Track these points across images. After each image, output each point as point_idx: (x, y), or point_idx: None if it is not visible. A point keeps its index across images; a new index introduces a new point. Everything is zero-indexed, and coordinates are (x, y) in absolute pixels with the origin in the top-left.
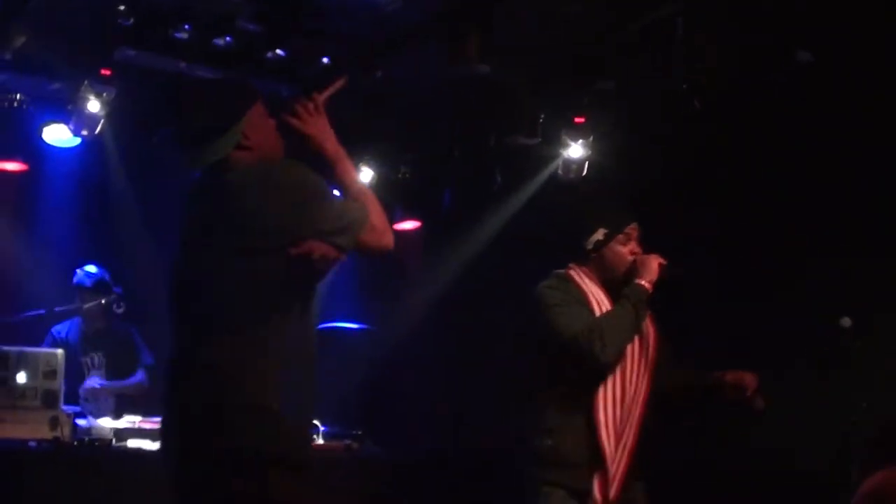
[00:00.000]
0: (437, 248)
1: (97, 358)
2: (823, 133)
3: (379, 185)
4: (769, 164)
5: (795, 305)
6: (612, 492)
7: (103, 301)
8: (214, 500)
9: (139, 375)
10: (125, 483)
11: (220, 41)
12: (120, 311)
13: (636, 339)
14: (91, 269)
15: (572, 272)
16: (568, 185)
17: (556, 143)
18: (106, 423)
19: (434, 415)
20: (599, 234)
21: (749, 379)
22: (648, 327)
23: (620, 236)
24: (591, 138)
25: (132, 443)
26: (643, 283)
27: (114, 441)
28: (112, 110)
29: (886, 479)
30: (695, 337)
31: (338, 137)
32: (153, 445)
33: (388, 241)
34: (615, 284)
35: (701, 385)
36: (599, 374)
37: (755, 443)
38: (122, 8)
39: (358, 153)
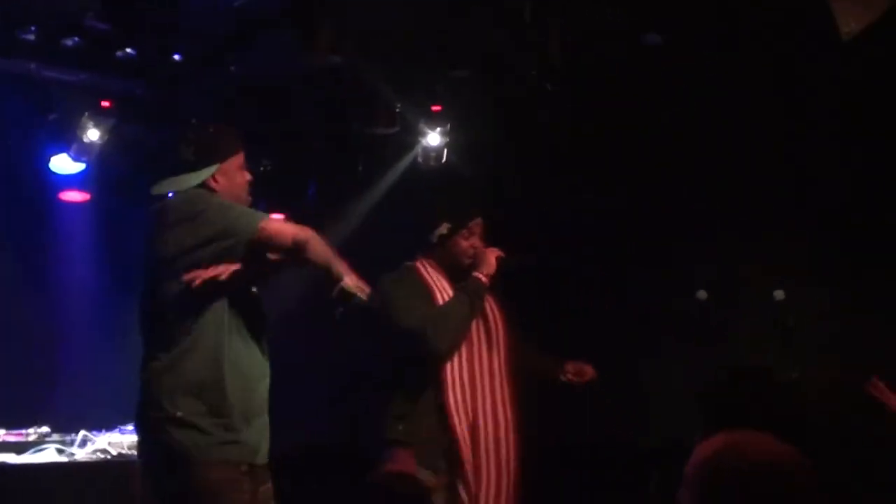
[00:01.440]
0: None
1: None
2: (671, 113)
3: None
4: (623, 146)
5: (656, 283)
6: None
7: None
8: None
9: None
10: None
11: (68, 41)
12: None
13: (479, 324)
14: None
15: (418, 264)
16: (427, 174)
17: (414, 131)
18: None
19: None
20: (443, 228)
21: (588, 370)
22: (493, 312)
23: (463, 231)
24: (448, 126)
25: None
26: (480, 275)
27: None
28: None
29: (726, 444)
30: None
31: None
32: (18, 459)
33: (286, 235)
34: (460, 275)
35: (550, 370)
36: (442, 360)
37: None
38: None
39: None
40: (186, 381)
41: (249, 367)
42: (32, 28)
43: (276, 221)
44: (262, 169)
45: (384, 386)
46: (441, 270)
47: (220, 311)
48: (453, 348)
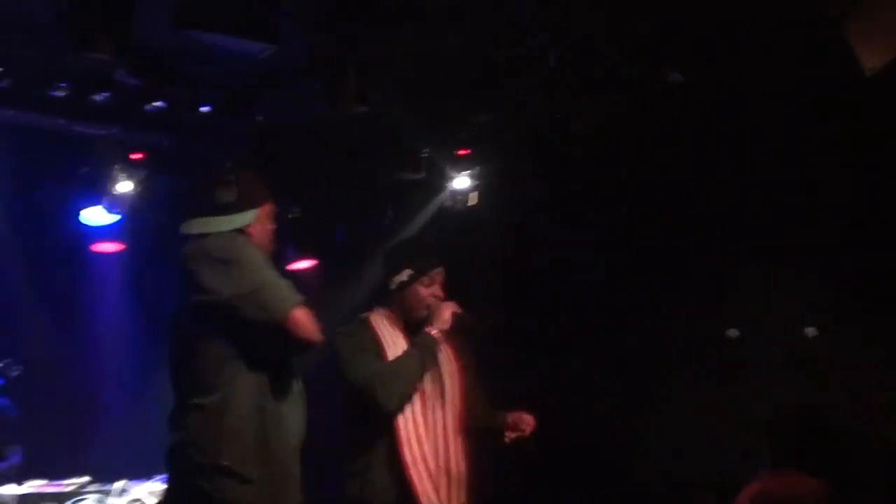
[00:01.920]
0: (335, 285)
1: None
2: (700, 150)
3: None
4: (650, 183)
5: (684, 318)
6: None
7: None
8: None
9: (13, 458)
10: None
11: (97, 97)
12: (15, 373)
13: (434, 379)
14: None
15: (372, 316)
16: (457, 217)
17: (442, 175)
18: (10, 490)
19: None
20: (404, 275)
21: (526, 420)
22: (451, 365)
23: (424, 279)
24: (476, 169)
25: None
26: (432, 331)
27: None
28: None
29: (762, 490)
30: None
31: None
32: None
33: (309, 333)
34: (417, 326)
35: (492, 423)
36: (391, 415)
37: (656, 453)
38: None
39: None
40: (229, 428)
41: (287, 417)
42: (63, 84)
43: (305, 314)
44: (290, 216)
45: (347, 441)
46: (397, 322)
47: (256, 357)
48: (402, 404)
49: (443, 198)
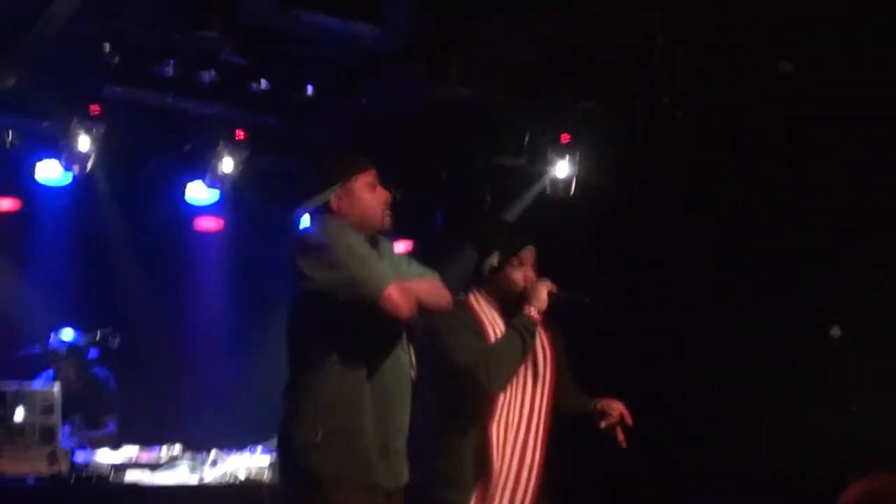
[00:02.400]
0: (432, 268)
1: (77, 420)
2: (807, 142)
3: None
4: (754, 174)
5: (784, 314)
6: None
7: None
8: None
9: (110, 426)
10: None
11: (204, 75)
12: (116, 343)
13: (529, 362)
14: (66, 334)
15: (471, 297)
16: (557, 203)
17: (542, 161)
18: (104, 456)
19: None
20: (494, 259)
21: (616, 406)
22: (544, 348)
23: (514, 260)
24: (577, 155)
25: (130, 475)
26: (531, 311)
27: (112, 475)
28: (101, 146)
29: (867, 490)
30: (686, 346)
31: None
32: (151, 477)
33: (402, 311)
34: (513, 307)
35: (582, 410)
36: (491, 396)
37: (754, 450)
38: (108, 46)
39: None
40: (325, 405)
41: (386, 392)
42: (170, 62)
43: (397, 292)
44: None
45: (435, 419)
46: (494, 303)
47: (357, 337)
48: (505, 386)
49: (542, 184)
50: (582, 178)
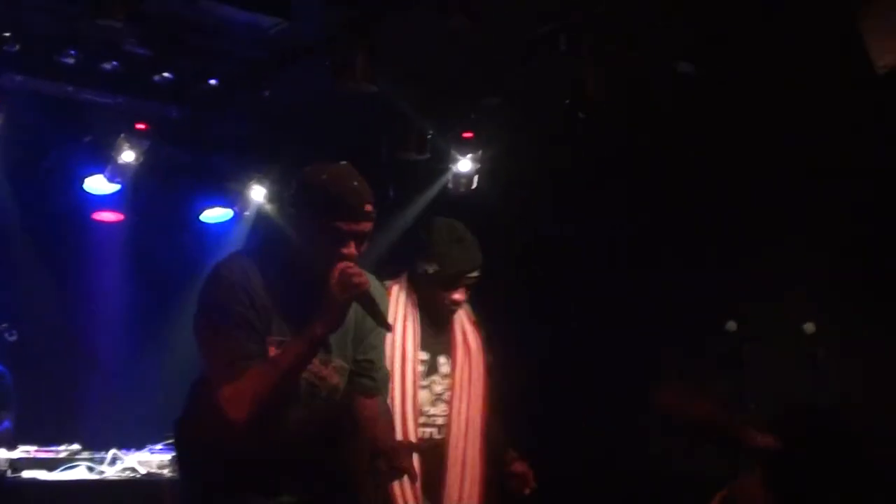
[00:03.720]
0: None
1: None
2: (705, 142)
3: (272, 202)
4: (656, 173)
5: (682, 310)
6: None
7: None
8: None
9: (4, 423)
10: None
11: (107, 65)
12: (12, 338)
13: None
14: None
15: (396, 285)
16: (458, 200)
17: (445, 157)
18: (0, 454)
19: None
20: (430, 267)
21: (528, 481)
22: (473, 344)
23: (447, 279)
24: (479, 152)
25: (27, 473)
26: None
27: (9, 472)
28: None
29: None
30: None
31: (230, 156)
32: (49, 475)
33: (227, 416)
34: (430, 313)
35: (498, 454)
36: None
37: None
38: (7, 34)
39: (251, 171)
40: None
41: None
42: (72, 51)
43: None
44: (292, 192)
45: None
46: (414, 299)
47: None
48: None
49: (445, 180)
50: (484, 174)
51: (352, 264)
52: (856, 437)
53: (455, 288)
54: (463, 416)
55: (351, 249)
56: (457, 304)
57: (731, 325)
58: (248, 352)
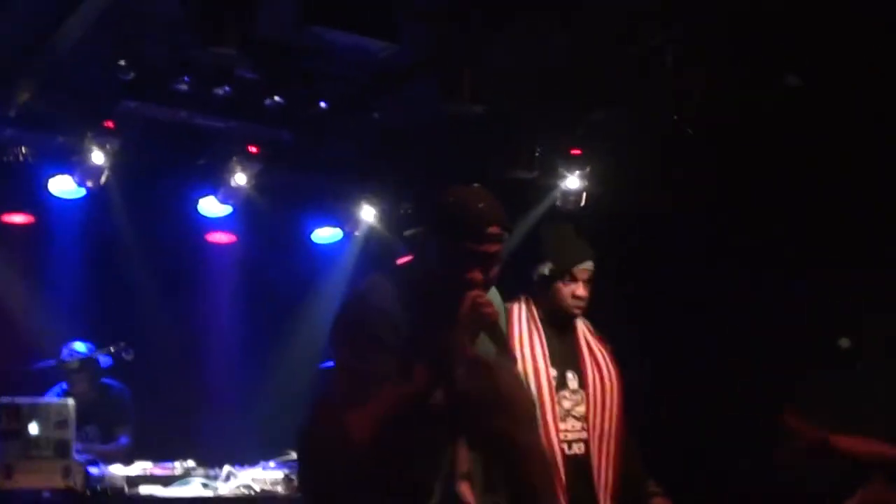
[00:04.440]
0: None
1: (91, 430)
2: (815, 154)
3: (382, 222)
4: (764, 187)
5: (798, 329)
6: None
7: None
8: None
9: (122, 440)
10: None
11: (219, 90)
12: (129, 357)
13: (595, 373)
14: (78, 346)
15: (516, 305)
16: (567, 217)
17: (553, 174)
18: (118, 470)
19: None
20: (545, 268)
21: None
22: (603, 358)
23: (565, 274)
24: (587, 169)
25: (144, 489)
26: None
27: (126, 488)
28: (116, 161)
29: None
30: (695, 356)
31: (340, 177)
32: (164, 491)
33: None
34: (560, 321)
35: (636, 489)
36: None
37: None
38: (122, 63)
39: (359, 192)
40: None
41: None
42: (185, 78)
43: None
44: (402, 212)
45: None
46: (536, 314)
47: None
48: None
49: (554, 197)
50: (592, 190)
51: (481, 293)
52: None
53: (574, 281)
54: (600, 433)
55: (476, 274)
56: (579, 300)
57: (845, 342)
58: (381, 375)
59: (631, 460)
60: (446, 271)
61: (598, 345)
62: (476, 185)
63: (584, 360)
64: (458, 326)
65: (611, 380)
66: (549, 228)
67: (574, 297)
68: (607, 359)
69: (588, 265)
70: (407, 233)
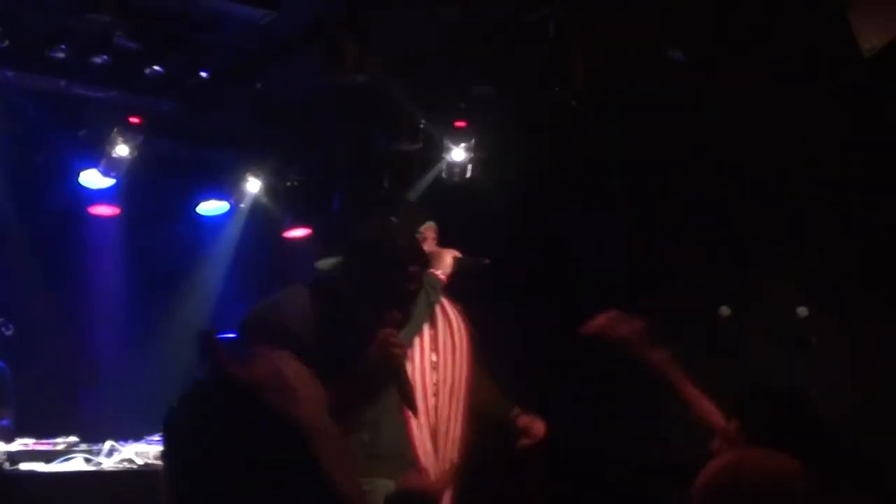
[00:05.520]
0: (329, 254)
1: None
2: (695, 129)
3: (268, 194)
4: (641, 158)
5: (676, 298)
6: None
7: None
8: None
9: (3, 422)
10: None
11: (98, 59)
12: (9, 332)
13: (447, 330)
14: None
15: None
16: (452, 189)
17: (438, 147)
18: None
19: None
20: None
21: (538, 429)
22: (458, 322)
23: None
24: (472, 141)
25: (25, 465)
26: (436, 273)
27: (7, 464)
28: None
29: (729, 463)
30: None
31: (225, 149)
32: (47, 467)
33: None
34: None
35: (501, 416)
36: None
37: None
38: None
39: (245, 164)
40: None
41: None
42: (63, 46)
43: None
44: (288, 184)
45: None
46: None
47: None
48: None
49: (439, 169)
50: (476, 162)
51: (394, 333)
52: (821, 420)
53: (424, 241)
54: (448, 383)
55: (395, 314)
56: (432, 252)
57: (724, 310)
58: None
59: (487, 393)
60: (367, 303)
61: (454, 309)
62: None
63: (436, 319)
64: (365, 358)
65: (459, 332)
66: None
67: (430, 252)
68: (459, 318)
69: (432, 225)
70: (321, 263)
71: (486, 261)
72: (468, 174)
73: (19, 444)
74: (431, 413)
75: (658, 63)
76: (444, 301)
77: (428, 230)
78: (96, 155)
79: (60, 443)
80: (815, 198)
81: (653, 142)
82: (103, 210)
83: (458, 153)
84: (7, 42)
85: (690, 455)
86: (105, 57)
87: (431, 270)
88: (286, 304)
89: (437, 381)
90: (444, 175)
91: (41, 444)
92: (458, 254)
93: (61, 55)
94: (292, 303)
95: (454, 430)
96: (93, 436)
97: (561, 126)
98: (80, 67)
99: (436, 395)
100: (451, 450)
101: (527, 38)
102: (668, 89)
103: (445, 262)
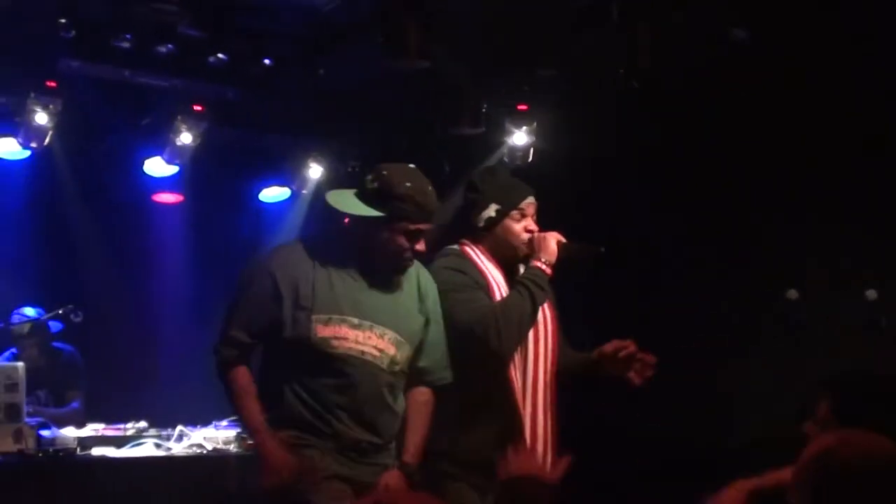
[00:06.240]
0: None
1: (42, 395)
2: (762, 111)
3: (330, 181)
4: (711, 143)
5: (744, 281)
6: None
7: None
8: None
9: (74, 404)
10: (91, 491)
11: (161, 48)
12: (78, 319)
13: (537, 323)
14: (27, 311)
15: (468, 248)
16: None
17: (500, 131)
18: (70, 432)
19: None
20: (491, 210)
21: (628, 342)
22: (547, 308)
23: (514, 212)
24: (534, 125)
25: (96, 451)
26: (540, 264)
27: (78, 450)
28: (60, 122)
29: (839, 441)
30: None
31: (287, 136)
32: (117, 452)
33: None
34: (513, 263)
35: (586, 365)
36: (504, 361)
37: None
38: (63, 20)
39: (307, 150)
40: None
41: None
42: (127, 35)
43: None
44: (349, 169)
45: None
46: (491, 258)
47: None
48: (514, 350)
49: (501, 153)
50: (540, 146)
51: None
52: None
53: (524, 217)
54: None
55: (422, 246)
56: (532, 232)
57: (793, 293)
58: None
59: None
60: (378, 241)
61: None
62: (411, 165)
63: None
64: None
65: (551, 316)
66: (483, 174)
67: (528, 231)
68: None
69: (532, 200)
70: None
71: (601, 248)
72: (530, 158)
73: (90, 430)
74: (532, 408)
75: (722, 44)
76: None
77: (529, 206)
78: (160, 143)
79: (130, 428)
80: (884, 180)
81: (716, 123)
82: (167, 198)
83: (520, 137)
84: (72, 32)
85: (754, 438)
86: (169, 46)
87: (535, 262)
88: (271, 255)
89: (535, 377)
90: (505, 159)
91: (111, 429)
92: (561, 237)
93: (125, 45)
94: (277, 254)
95: (550, 418)
96: (161, 421)
97: (624, 109)
98: (144, 56)
99: (533, 392)
100: (551, 438)
101: (589, 20)
102: (733, 69)
103: (549, 249)
